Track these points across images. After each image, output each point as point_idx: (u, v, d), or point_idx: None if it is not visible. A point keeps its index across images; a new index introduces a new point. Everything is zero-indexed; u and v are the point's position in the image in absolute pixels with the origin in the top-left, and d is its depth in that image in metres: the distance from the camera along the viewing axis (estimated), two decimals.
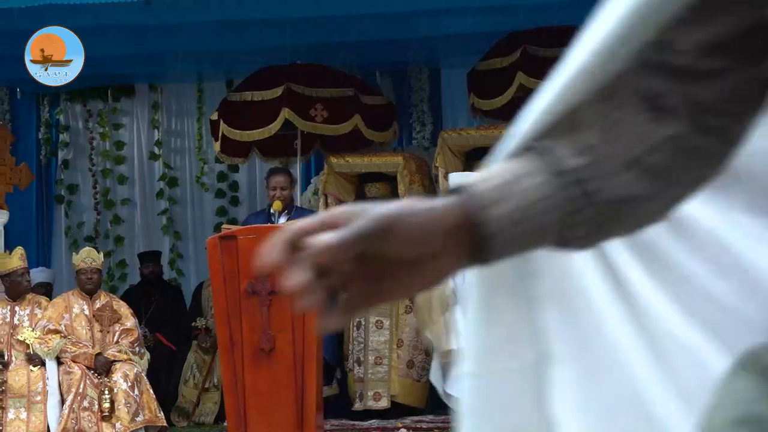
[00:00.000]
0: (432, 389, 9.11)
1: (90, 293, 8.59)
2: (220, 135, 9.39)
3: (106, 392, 8.12)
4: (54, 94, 11.36)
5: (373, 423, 8.47)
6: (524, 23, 9.15)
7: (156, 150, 11.39)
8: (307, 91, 9.13)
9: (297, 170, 9.60)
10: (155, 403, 8.31)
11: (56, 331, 8.36)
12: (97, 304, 8.56)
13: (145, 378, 8.37)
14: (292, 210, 8.55)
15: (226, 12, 8.53)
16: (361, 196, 9.19)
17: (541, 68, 8.87)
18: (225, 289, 7.03)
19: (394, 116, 9.79)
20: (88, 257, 8.63)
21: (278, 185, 8.50)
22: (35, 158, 11.27)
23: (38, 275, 9.97)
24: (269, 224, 8.23)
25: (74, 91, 11.27)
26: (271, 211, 8.49)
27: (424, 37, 9.49)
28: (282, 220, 8.38)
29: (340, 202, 9.03)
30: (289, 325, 6.94)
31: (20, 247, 8.92)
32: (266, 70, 9.41)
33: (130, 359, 8.36)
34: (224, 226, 8.20)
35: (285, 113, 8.98)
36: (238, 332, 7.01)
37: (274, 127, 9.09)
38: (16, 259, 8.71)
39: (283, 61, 9.36)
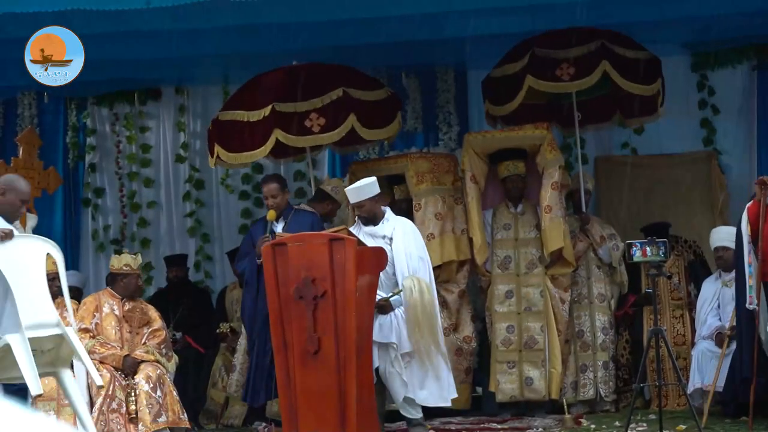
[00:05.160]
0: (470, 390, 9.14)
1: (130, 297, 8.59)
2: (215, 153, 9.14)
3: (133, 394, 8.12)
4: (81, 98, 11.41)
5: (402, 424, 8.46)
6: (550, 24, 9.17)
7: (182, 152, 11.42)
8: (300, 107, 8.85)
9: (309, 166, 9.68)
10: (179, 404, 8.25)
11: (86, 330, 8.37)
12: (128, 305, 8.53)
13: (169, 379, 8.31)
14: (289, 214, 8.47)
15: (252, 15, 8.52)
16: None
17: (548, 70, 9.02)
18: (278, 293, 7.27)
19: (395, 109, 9.41)
20: (129, 265, 8.57)
21: (269, 193, 8.42)
22: (62, 162, 11.32)
23: (69, 279, 9.97)
24: (269, 232, 8.25)
25: (101, 94, 11.35)
26: (267, 219, 8.45)
27: (451, 39, 9.48)
28: (279, 226, 8.37)
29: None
30: (332, 328, 7.11)
31: None
32: (253, 88, 9.18)
33: (158, 360, 8.34)
34: (278, 233, 8.19)
35: (276, 134, 8.76)
36: (290, 334, 7.24)
37: (263, 150, 8.86)
38: (50, 263, 8.73)
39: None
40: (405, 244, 7.60)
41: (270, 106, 8.76)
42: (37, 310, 6.20)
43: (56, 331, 6.25)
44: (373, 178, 7.89)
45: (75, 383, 6.61)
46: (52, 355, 6.31)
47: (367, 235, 7.68)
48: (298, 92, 8.92)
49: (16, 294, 6.09)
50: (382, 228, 7.68)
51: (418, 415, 7.77)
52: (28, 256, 6.32)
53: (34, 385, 5.99)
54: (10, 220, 6.51)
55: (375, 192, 7.72)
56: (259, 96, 8.98)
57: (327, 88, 8.89)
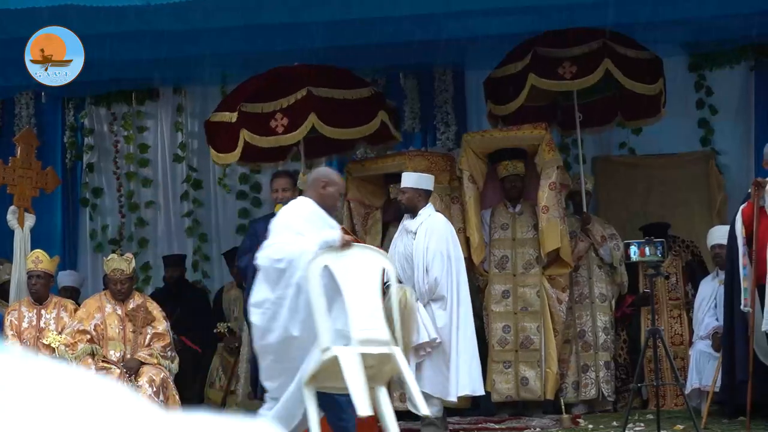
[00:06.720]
0: None
1: (121, 301, 8.54)
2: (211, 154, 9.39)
3: None
4: (79, 98, 11.42)
5: (399, 424, 8.47)
6: (548, 25, 9.20)
7: (180, 152, 11.43)
8: (267, 107, 8.95)
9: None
10: (180, 409, 8.23)
11: (85, 332, 8.31)
12: (131, 305, 8.45)
13: (172, 383, 8.26)
14: None
15: (251, 15, 8.54)
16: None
17: (550, 69, 9.04)
18: None
19: (375, 108, 9.26)
20: (118, 268, 8.48)
21: (279, 187, 8.45)
22: (60, 162, 11.32)
23: (66, 279, 10.00)
24: None
25: (99, 94, 11.35)
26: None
27: (449, 39, 9.50)
28: None
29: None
30: None
31: (57, 256, 9.10)
32: (240, 89, 9.31)
33: (160, 363, 8.29)
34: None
35: (243, 134, 8.88)
36: None
37: (236, 154, 9.02)
38: (48, 262, 8.74)
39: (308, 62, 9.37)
40: (425, 241, 7.67)
41: (238, 108, 8.87)
42: (370, 326, 5.92)
43: (386, 350, 5.92)
44: (432, 177, 8.03)
45: (389, 402, 6.17)
46: (373, 371, 5.96)
47: (403, 230, 7.85)
48: (270, 93, 8.98)
49: (350, 307, 5.88)
50: (412, 223, 7.80)
51: (428, 413, 7.67)
52: (365, 269, 6.10)
53: (362, 404, 5.67)
54: (331, 213, 6.35)
55: (423, 186, 7.85)
56: (239, 97, 9.09)
57: (295, 87, 8.94)
